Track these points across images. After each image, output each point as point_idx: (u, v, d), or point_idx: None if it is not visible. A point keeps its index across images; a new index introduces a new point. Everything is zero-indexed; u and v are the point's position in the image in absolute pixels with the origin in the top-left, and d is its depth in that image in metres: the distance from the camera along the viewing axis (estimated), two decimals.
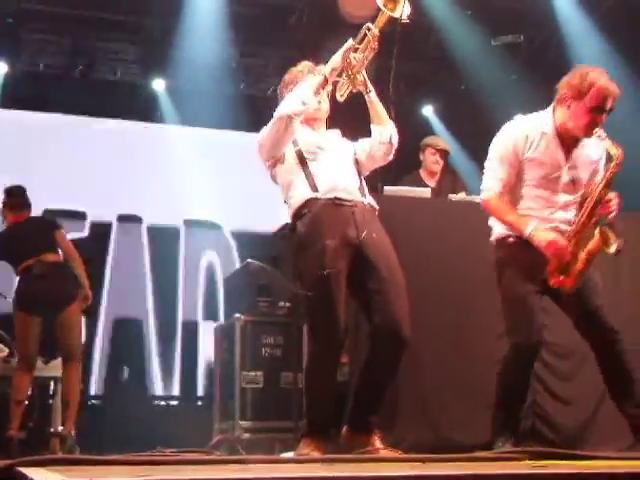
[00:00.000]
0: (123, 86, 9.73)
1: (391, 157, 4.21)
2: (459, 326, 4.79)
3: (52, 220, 6.61)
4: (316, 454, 3.68)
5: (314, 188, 3.89)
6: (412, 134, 9.13)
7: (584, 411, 4.87)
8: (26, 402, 6.06)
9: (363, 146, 4.17)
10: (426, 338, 4.66)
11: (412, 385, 4.57)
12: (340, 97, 4.05)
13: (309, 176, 3.92)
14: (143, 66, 9.57)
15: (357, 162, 4.14)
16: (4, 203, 6.38)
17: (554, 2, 8.98)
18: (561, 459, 3.06)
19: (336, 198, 3.89)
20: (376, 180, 5.55)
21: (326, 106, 4.10)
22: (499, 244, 4.12)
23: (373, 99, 4.11)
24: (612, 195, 3.95)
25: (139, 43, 9.37)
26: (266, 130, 3.94)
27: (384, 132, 4.12)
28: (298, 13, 9.04)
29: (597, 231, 3.89)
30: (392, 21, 3.90)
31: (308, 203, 3.89)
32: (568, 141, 4.02)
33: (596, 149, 4.05)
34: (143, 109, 9.83)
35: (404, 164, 7.79)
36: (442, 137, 8.24)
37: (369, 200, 4.04)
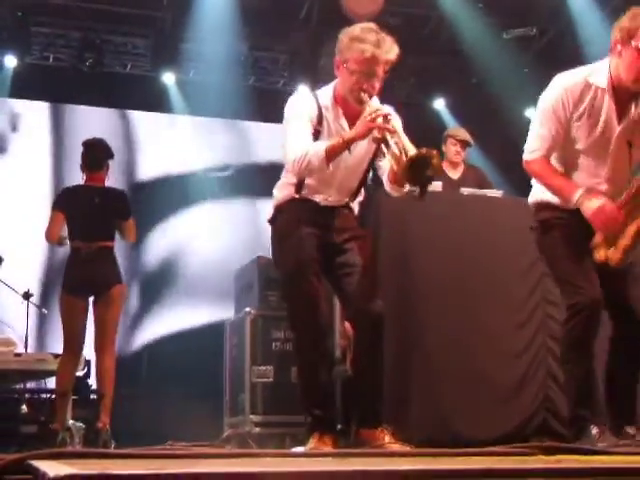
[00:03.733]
0: (133, 79, 9.75)
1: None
2: (473, 320, 4.77)
3: (126, 207, 6.09)
4: (327, 449, 3.68)
5: (297, 190, 3.94)
6: (423, 127, 9.16)
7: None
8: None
9: (383, 169, 4.00)
10: (438, 332, 4.66)
11: (423, 381, 4.56)
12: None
13: (300, 180, 3.93)
14: (153, 59, 9.56)
15: (368, 169, 4.06)
16: (82, 157, 6.05)
17: None
18: (574, 454, 3.04)
19: (313, 202, 3.93)
20: None
21: None
22: (540, 207, 3.88)
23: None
24: None
25: (149, 36, 9.38)
26: (292, 155, 3.77)
27: (395, 192, 3.98)
28: (308, 7, 9.03)
29: None
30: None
31: (289, 202, 3.96)
32: (623, 97, 3.61)
33: None
34: (153, 102, 9.84)
35: None
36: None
37: (355, 202, 4.05)
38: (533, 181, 3.94)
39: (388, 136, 3.63)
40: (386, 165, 3.89)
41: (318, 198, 3.96)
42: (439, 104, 11.00)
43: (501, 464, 2.40)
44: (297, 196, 3.95)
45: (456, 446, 3.71)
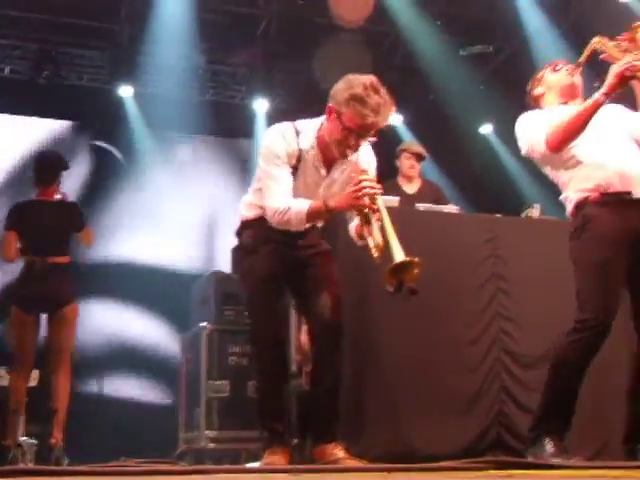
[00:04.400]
0: (90, 91, 9.67)
1: None
2: (428, 334, 4.78)
3: (79, 218, 6.06)
4: (282, 464, 3.67)
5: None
6: (380, 143, 9.20)
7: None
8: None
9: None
10: (393, 346, 4.66)
11: (378, 395, 4.55)
12: None
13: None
14: (110, 72, 9.49)
15: None
16: (34, 170, 6.00)
17: (523, 13, 9.06)
18: (526, 469, 3.07)
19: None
20: None
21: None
22: (578, 208, 3.85)
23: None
24: None
25: (106, 49, 9.31)
26: (272, 203, 3.80)
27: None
28: (266, 23, 9.04)
29: None
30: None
31: (256, 219, 3.96)
32: None
33: None
34: (110, 115, 9.77)
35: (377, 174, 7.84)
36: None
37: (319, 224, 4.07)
38: (563, 194, 3.98)
39: (371, 215, 3.69)
40: None
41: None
42: (396, 120, 11.07)
43: (455, 479, 2.42)
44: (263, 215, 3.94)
45: (411, 461, 3.72)
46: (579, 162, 3.85)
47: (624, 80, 3.68)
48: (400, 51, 9.79)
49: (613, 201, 3.75)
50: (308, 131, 3.89)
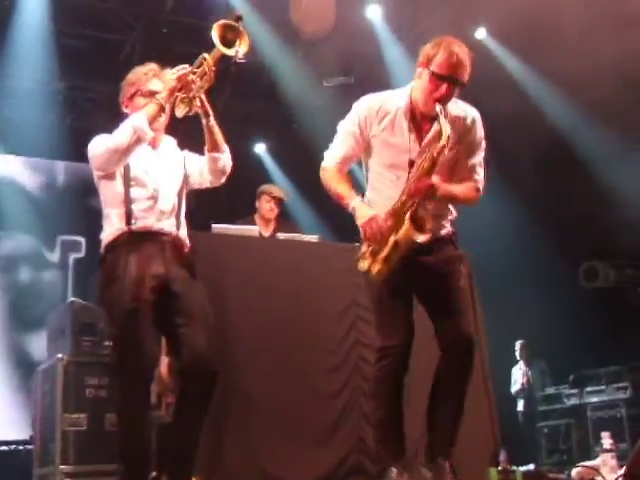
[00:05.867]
0: None
1: (223, 180, 4.16)
2: (289, 362, 4.81)
3: None
4: None
5: (128, 222, 3.84)
6: (244, 172, 9.23)
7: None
8: None
9: (194, 164, 4.10)
10: (254, 374, 4.66)
11: (236, 424, 4.54)
12: (178, 114, 3.97)
13: (127, 210, 3.85)
14: None
15: (184, 182, 4.07)
16: None
17: (383, 47, 9.30)
18: None
19: (148, 232, 3.84)
20: (206, 217, 5.54)
21: (164, 119, 3.96)
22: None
23: (212, 124, 3.99)
24: (434, 180, 3.68)
25: None
26: (99, 148, 3.81)
27: (219, 161, 4.07)
28: (129, 49, 8.95)
29: (408, 216, 3.63)
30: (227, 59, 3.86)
31: (119, 237, 3.83)
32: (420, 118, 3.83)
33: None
34: None
35: (236, 201, 7.86)
36: (278, 184, 8.33)
37: (182, 234, 3.99)
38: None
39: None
40: (196, 165, 4.07)
41: (148, 223, 3.85)
42: (260, 148, 11.13)
43: None
44: (126, 228, 3.83)
45: None
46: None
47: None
48: (264, 80, 9.86)
49: None
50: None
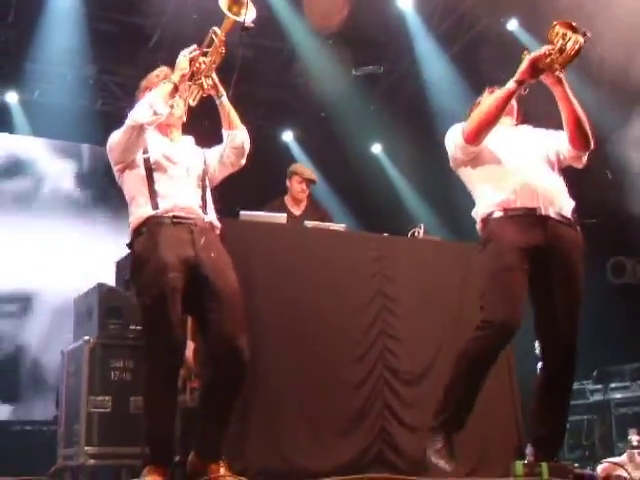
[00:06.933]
0: None
1: (243, 161, 4.16)
2: (313, 351, 4.81)
3: None
4: None
5: (155, 206, 3.87)
6: (272, 159, 9.24)
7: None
8: None
9: (214, 154, 4.13)
10: (278, 363, 4.67)
11: (262, 412, 4.54)
12: (192, 102, 4.00)
13: (152, 192, 3.88)
14: None
15: (206, 173, 4.10)
16: None
17: (413, 37, 9.26)
18: None
19: (174, 217, 3.86)
20: (234, 204, 5.54)
21: (180, 111, 4.03)
22: (483, 223, 3.98)
23: (225, 103, 4.06)
24: None
25: None
26: (117, 135, 3.88)
27: (236, 137, 4.09)
28: (158, 34, 8.97)
29: None
30: (238, 25, 3.88)
31: (147, 221, 3.86)
32: None
33: None
34: None
35: (264, 188, 7.86)
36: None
37: (211, 218, 4.01)
38: (474, 210, 4.06)
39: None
40: (215, 154, 4.12)
41: (175, 207, 3.88)
42: (288, 136, 11.13)
43: None
44: (154, 213, 3.86)
45: (293, 477, 3.73)
46: (488, 178, 3.98)
47: (536, 68, 3.82)
48: (293, 68, 9.86)
49: (516, 217, 3.86)
50: None
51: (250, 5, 3.88)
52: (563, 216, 3.92)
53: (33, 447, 7.69)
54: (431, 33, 9.14)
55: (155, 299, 3.74)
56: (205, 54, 3.94)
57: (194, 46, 3.94)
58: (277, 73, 9.85)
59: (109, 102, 9.93)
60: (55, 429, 6.32)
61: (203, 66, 3.94)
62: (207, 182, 4.10)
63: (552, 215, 3.88)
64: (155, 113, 3.81)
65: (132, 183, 3.95)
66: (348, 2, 8.47)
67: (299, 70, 9.79)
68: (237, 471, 3.88)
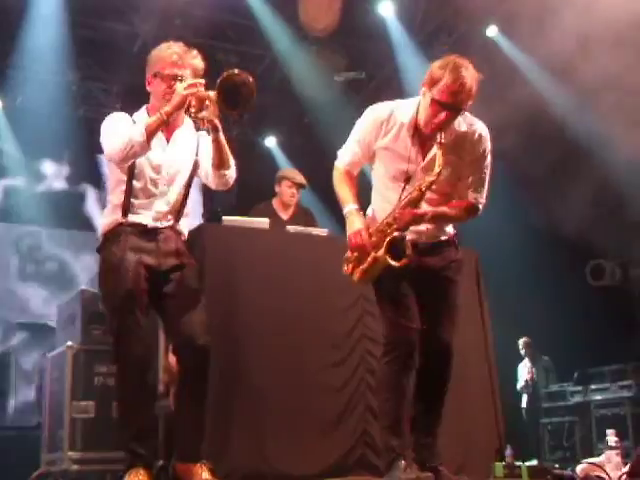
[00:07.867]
0: None
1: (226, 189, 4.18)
2: (296, 354, 4.84)
3: None
4: None
5: (125, 213, 3.93)
6: (255, 165, 9.28)
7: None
8: None
9: (205, 161, 4.06)
10: (261, 366, 4.69)
11: (245, 415, 4.56)
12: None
13: (126, 199, 3.94)
14: None
15: (192, 178, 4.11)
16: None
17: (394, 44, 9.32)
18: None
19: (141, 224, 3.93)
20: (217, 210, 5.57)
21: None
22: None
23: (220, 139, 3.87)
24: (421, 210, 3.80)
25: None
26: (114, 145, 3.81)
27: (224, 177, 4.03)
28: (142, 40, 8.99)
29: (387, 241, 3.76)
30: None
31: (116, 228, 3.94)
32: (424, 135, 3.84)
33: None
34: None
35: (247, 193, 7.88)
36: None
37: (182, 223, 4.08)
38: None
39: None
40: (206, 161, 4.02)
41: (146, 218, 3.94)
42: (270, 142, 11.16)
43: None
44: (123, 220, 3.93)
45: None
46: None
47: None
48: (276, 74, 9.90)
49: None
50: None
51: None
52: None
53: (16, 452, 7.67)
54: (412, 39, 9.20)
55: (121, 302, 3.83)
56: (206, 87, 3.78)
57: (199, 81, 3.80)
58: (260, 79, 9.86)
59: (93, 108, 9.92)
60: (39, 434, 6.33)
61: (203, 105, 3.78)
62: (192, 183, 4.13)
63: None
64: (134, 151, 3.76)
65: (112, 181, 4.02)
66: (340, 5, 8.54)
67: (282, 76, 9.83)
68: (220, 474, 3.91)
